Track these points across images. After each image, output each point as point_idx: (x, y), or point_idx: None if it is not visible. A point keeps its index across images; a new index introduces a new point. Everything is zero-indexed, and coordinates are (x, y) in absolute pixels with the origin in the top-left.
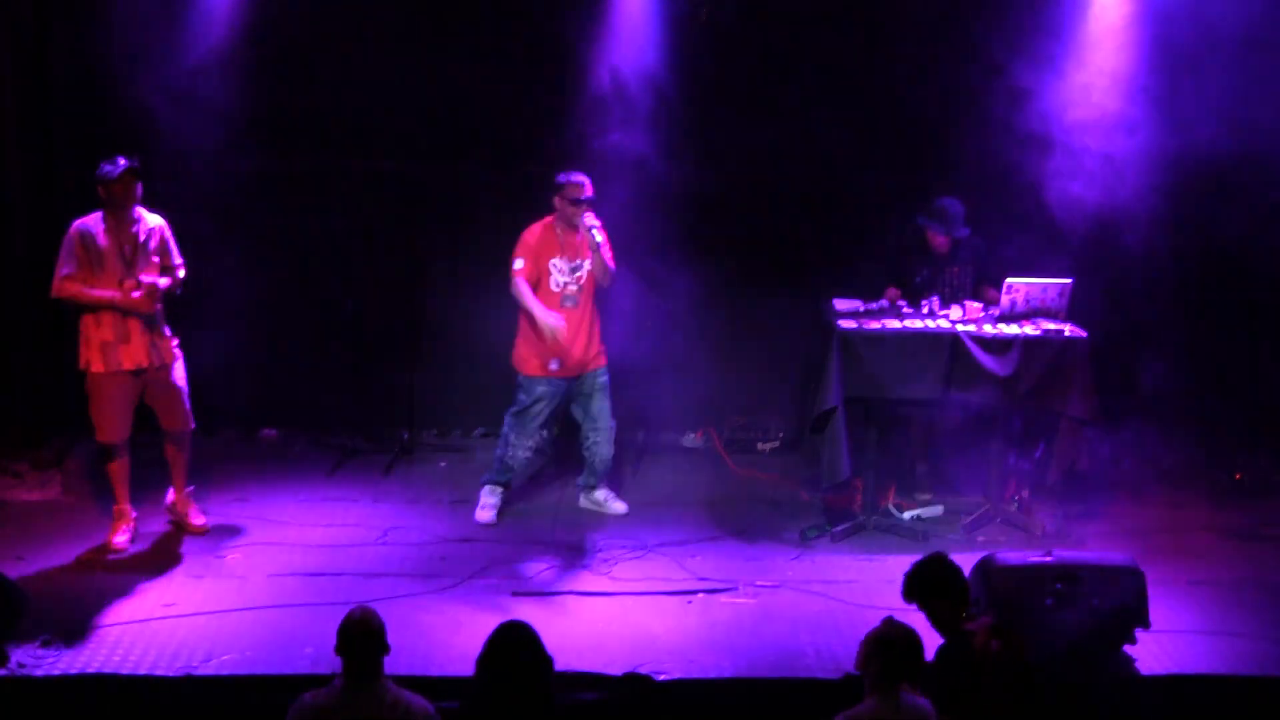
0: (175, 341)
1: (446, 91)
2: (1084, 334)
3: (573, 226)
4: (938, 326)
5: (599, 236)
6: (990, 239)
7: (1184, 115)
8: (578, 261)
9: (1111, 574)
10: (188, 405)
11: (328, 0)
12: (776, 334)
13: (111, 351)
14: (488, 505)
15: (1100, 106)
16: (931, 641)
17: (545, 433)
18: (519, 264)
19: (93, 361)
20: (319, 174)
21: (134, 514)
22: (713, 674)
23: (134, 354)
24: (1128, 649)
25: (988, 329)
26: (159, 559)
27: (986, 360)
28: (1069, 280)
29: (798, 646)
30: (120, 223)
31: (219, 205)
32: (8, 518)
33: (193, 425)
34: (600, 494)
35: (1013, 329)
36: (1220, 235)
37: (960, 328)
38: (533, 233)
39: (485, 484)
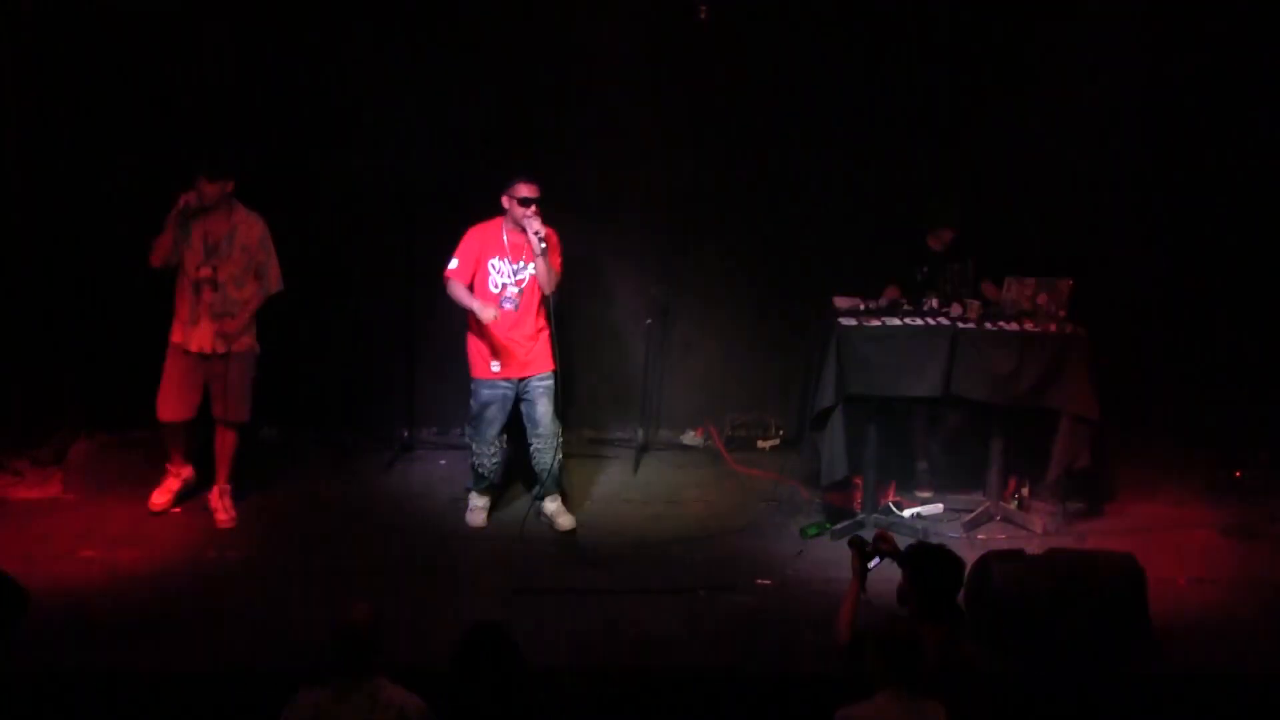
0: (249, 340)
1: (446, 90)
2: (1083, 332)
3: (520, 228)
4: (937, 324)
5: (543, 245)
6: (991, 236)
7: (1185, 114)
8: (520, 264)
9: (1111, 571)
10: (240, 398)
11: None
12: (777, 332)
13: (181, 329)
14: (475, 508)
15: (1100, 105)
16: None
17: (504, 436)
18: (452, 264)
19: (174, 331)
20: (318, 172)
21: (185, 473)
22: (713, 672)
23: (199, 338)
24: (1127, 646)
25: (988, 326)
26: (159, 556)
27: (986, 358)
28: (1069, 278)
29: (798, 644)
30: (208, 215)
31: None
32: (8, 516)
33: (241, 418)
34: (549, 504)
35: (1012, 327)
36: (1221, 233)
37: (960, 325)
38: (475, 231)
39: (469, 490)
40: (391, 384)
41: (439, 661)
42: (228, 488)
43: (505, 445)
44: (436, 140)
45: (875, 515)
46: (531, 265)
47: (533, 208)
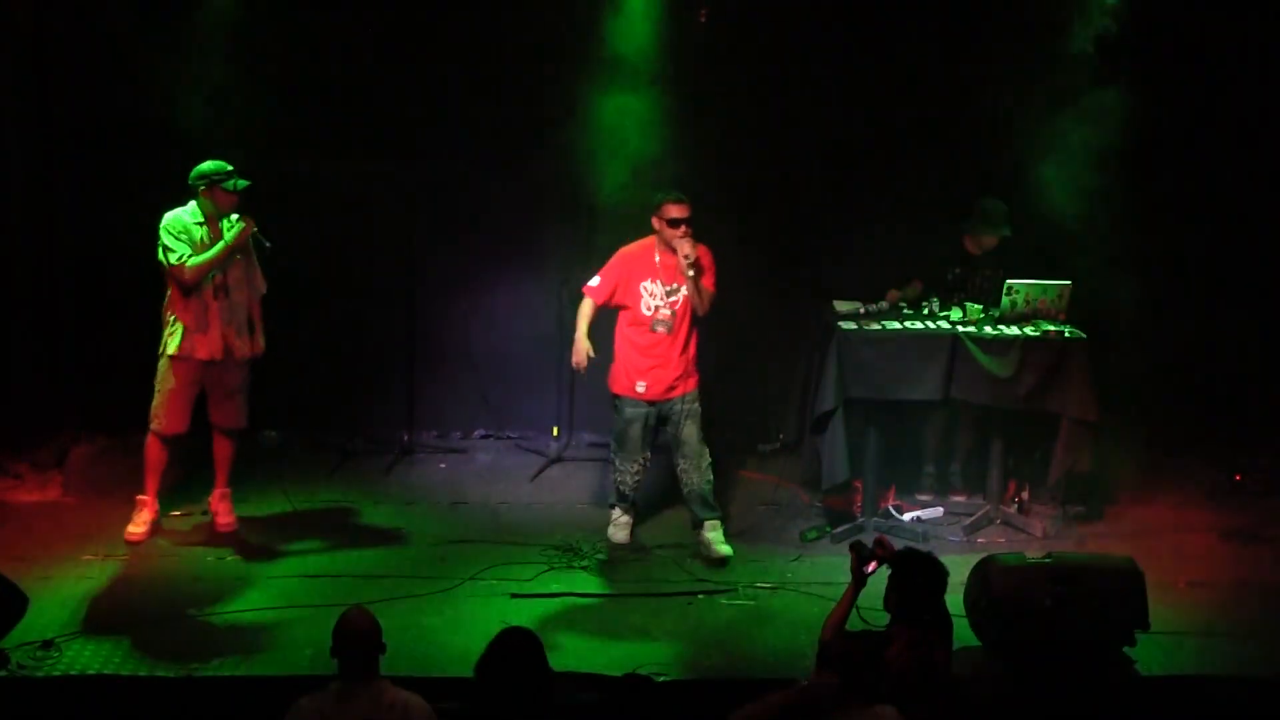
0: (258, 344)
1: (446, 92)
2: (1083, 335)
3: (670, 250)
4: (937, 328)
5: (693, 270)
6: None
7: (1185, 113)
8: (674, 285)
9: (1111, 575)
10: (242, 404)
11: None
12: (776, 335)
13: (188, 338)
14: (620, 524)
15: (1100, 104)
16: None
17: (648, 453)
18: (593, 280)
19: (180, 344)
20: (318, 175)
21: (155, 507)
22: (713, 675)
23: (210, 345)
24: (1127, 650)
25: (987, 330)
26: (158, 559)
27: (986, 362)
28: (1068, 281)
29: (797, 647)
30: (216, 222)
31: None
32: (8, 519)
33: (242, 424)
34: (706, 535)
35: (1012, 330)
36: (1220, 236)
37: (960, 329)
38: (627, 251)
39: (611, 506)
40: (391, 387)
41: (438, 665)
42: (227, 491)
43: (649, 463)
44: (438, 143)
45: (875, 519)
46: (684, 288)
47: (682, 228)
